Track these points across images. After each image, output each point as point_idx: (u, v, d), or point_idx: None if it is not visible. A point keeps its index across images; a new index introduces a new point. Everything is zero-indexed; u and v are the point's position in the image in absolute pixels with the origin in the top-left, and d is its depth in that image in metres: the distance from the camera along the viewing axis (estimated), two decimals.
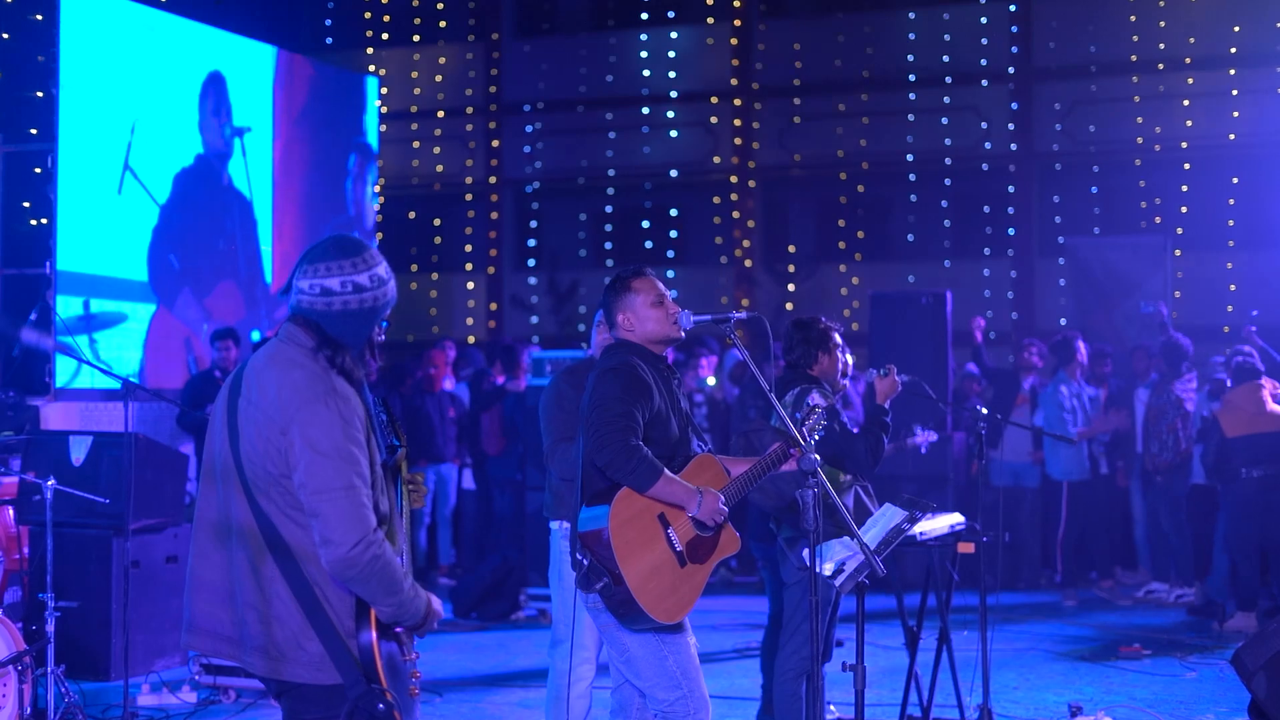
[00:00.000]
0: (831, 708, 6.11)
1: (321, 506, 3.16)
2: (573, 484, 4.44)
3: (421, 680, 3.46)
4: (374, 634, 3.24)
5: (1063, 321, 15.80)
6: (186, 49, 12.46)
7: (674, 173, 18.13)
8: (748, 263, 17.83)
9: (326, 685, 3.23)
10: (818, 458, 4.18)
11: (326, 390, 3.22)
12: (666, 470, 4.21)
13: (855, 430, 5.62)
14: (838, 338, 5.73)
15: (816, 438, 4.62)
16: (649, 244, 18.66)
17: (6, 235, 10.46)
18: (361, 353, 3.34)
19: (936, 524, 5.61)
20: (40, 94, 10.55)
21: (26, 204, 10.53)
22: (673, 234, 18.79)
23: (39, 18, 10.55)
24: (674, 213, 18.91)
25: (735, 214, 17.89)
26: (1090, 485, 10.59)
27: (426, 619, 3.34)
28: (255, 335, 12.20)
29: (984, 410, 7.33)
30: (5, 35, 10.57)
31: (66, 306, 10.81)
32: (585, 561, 4.14)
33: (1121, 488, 11.07)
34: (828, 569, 4.40)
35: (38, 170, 10.50)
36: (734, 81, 17.76)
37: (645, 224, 18.87)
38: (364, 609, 3.26)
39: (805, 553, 5.47)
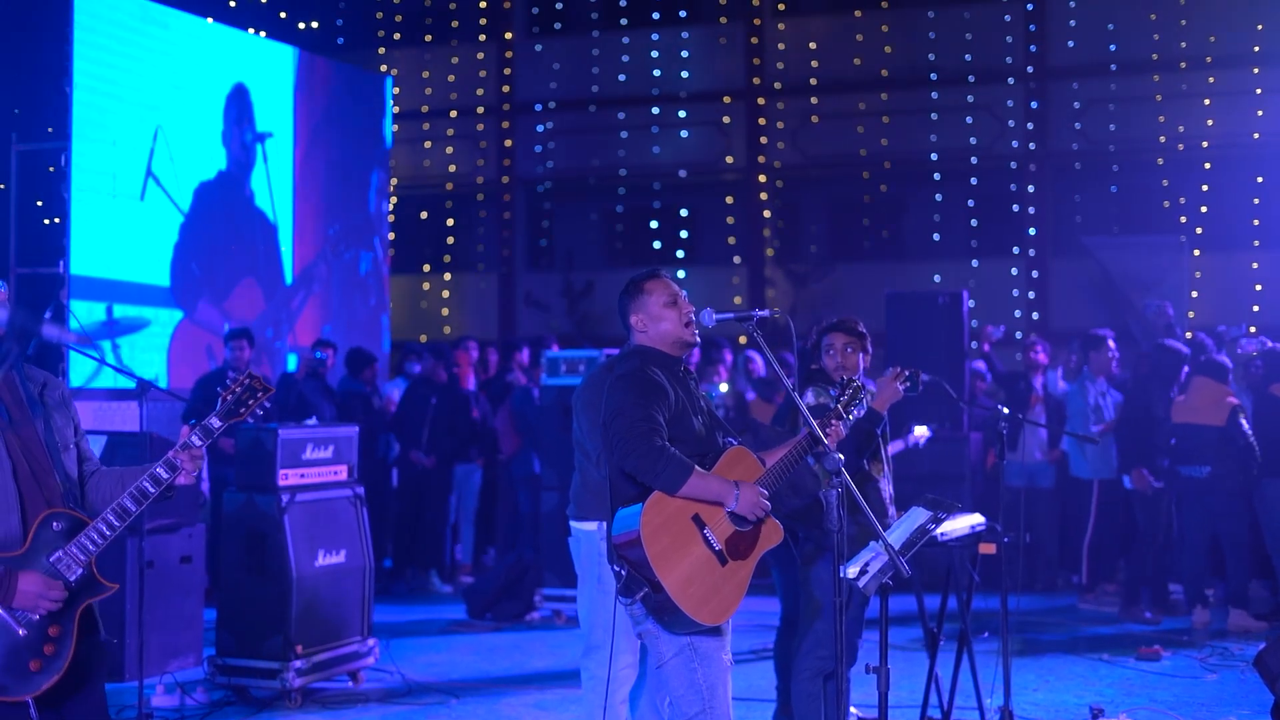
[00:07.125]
0: (853, 710, 6.05)
1: None
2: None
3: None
4: None
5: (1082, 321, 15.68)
6: (207, 51, 12.45)
7: (686, 172, 18.08)
8: (764, 263, 17.77)
9: None
10: (841, 457, 4.13)
11: None
12: (698, 467, 4.13)
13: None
14: (838, 338, 5.65)
15: (856, 414, 4.60)
16: (661, 244, 18.62)
17: (21, 235, 10.44)
18: None
19: (957, 524, 5.55)
20: (55, 92, 10.53)
21: (40, 203, 10.51)
22: (685, 234, 18.74)
23: (53, 16, 10.53)
24: (687, 212, 18.87)
25: (757, 213, 17.83)
26: (1115, 484, 10.48)
27: None
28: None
29: (1005, 410, 7.26)
30: (20, 33, 10.55)
31: (89, 312, 10.79)
32: (623, 572, 4.08)
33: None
34: (852, 571, 4.33)
35: (51, 169, 10.48)
36: (756, 80, 17.72)
37: (657, 224, 18.83)
38: None
39: (809, 550, 5.46)
